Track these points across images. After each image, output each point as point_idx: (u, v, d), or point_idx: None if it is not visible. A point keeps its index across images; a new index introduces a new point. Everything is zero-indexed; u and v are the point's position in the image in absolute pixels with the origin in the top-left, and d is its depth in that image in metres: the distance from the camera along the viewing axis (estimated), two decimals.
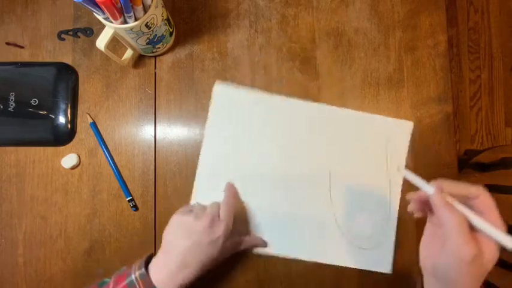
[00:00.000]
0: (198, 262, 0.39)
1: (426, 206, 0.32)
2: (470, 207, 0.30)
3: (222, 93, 0.49)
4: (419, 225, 0.45)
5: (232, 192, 0.47)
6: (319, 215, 0.49)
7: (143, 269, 0.38)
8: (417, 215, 0.34)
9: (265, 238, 0.48)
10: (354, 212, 0.49)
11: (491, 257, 0.29)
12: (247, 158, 0.49)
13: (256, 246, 0.48)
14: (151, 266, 0.39)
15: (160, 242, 0.41)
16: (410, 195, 0.33)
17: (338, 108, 0.50)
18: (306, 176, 0.49)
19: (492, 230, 0.29)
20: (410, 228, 0.49)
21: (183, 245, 0.39)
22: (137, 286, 0.37)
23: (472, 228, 0.29)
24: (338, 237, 0.49)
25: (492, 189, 0.77)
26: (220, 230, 0.40)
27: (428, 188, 0.31)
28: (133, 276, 0.37)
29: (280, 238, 0.49)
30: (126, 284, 0.37)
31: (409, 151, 0.50)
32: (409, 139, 0.51)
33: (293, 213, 0.49)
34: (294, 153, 0.49)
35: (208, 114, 0.49)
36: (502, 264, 0.66)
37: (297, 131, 0.50)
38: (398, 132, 0.51)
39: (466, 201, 0.31)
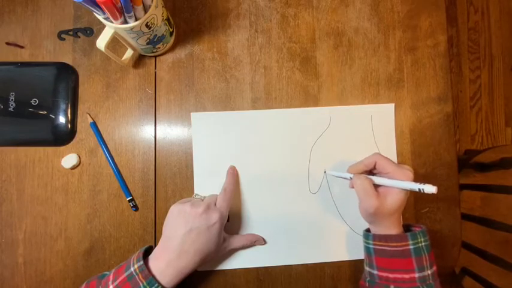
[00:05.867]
0: (196, 249, 0.40)
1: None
2: (380, 172, 0.43)
3: (200, 120, 0.50)
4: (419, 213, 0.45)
5: (233, 180, 0.48)
6: (321, 213, 0.49)
7: (142, 261, 0.38)
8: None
9: (267, 248, 0.49)
10: (355, 202, 0.49)
11: (392, 198, 0.40)
12: (238, 167, 0.49)
13: (255, 242, 0.48)
14: (151, 256, 0.40)
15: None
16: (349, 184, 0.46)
17: (313, 108, 0.51)
18: (302, 178, 0.50)
19: (381, 180, 0.41)
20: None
21: (180, 232, 0.40)
22: (137, 277, 0.37)
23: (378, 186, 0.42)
24: (344, 232, 0.50)
25: (492, 189, 0.77)
26: (215, 216, 0.41)
27: (347, 175, 0.44)
28: (132, 269, 0.38)
29: (281, 248, 0.49)
30: (126, 277, 0.37)
31: (396, 133, 0.51)
32: (393, 121, 0.51)
33: (293, 217, 0.49)
34: (283, 158, 0.50)
35: (192, 140, 0.49)
36: (502, 264, 0.66)
37: (281, 136, 0.50)
38: (382, 115, 0.51)
39: (373, 170, 0.43)
